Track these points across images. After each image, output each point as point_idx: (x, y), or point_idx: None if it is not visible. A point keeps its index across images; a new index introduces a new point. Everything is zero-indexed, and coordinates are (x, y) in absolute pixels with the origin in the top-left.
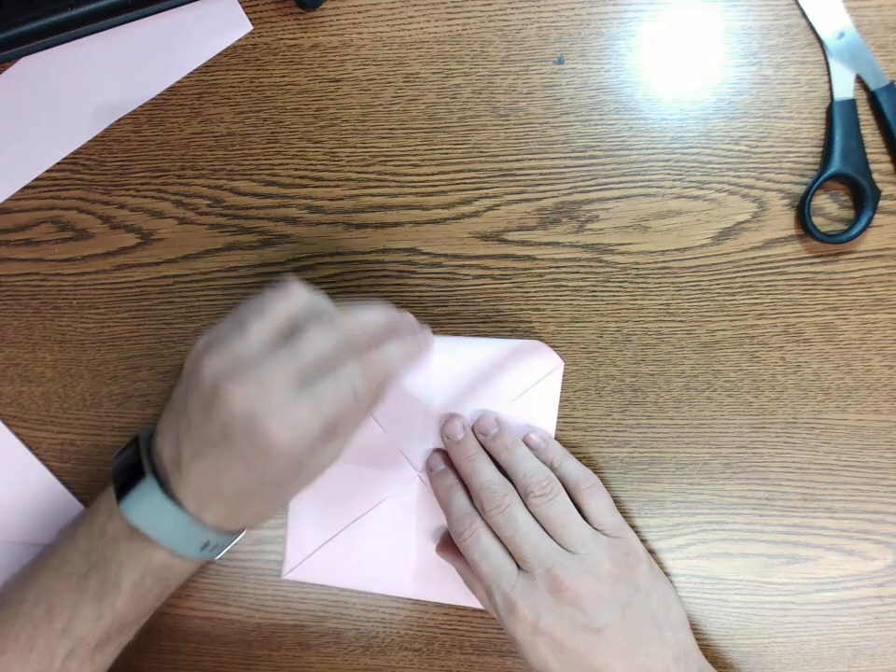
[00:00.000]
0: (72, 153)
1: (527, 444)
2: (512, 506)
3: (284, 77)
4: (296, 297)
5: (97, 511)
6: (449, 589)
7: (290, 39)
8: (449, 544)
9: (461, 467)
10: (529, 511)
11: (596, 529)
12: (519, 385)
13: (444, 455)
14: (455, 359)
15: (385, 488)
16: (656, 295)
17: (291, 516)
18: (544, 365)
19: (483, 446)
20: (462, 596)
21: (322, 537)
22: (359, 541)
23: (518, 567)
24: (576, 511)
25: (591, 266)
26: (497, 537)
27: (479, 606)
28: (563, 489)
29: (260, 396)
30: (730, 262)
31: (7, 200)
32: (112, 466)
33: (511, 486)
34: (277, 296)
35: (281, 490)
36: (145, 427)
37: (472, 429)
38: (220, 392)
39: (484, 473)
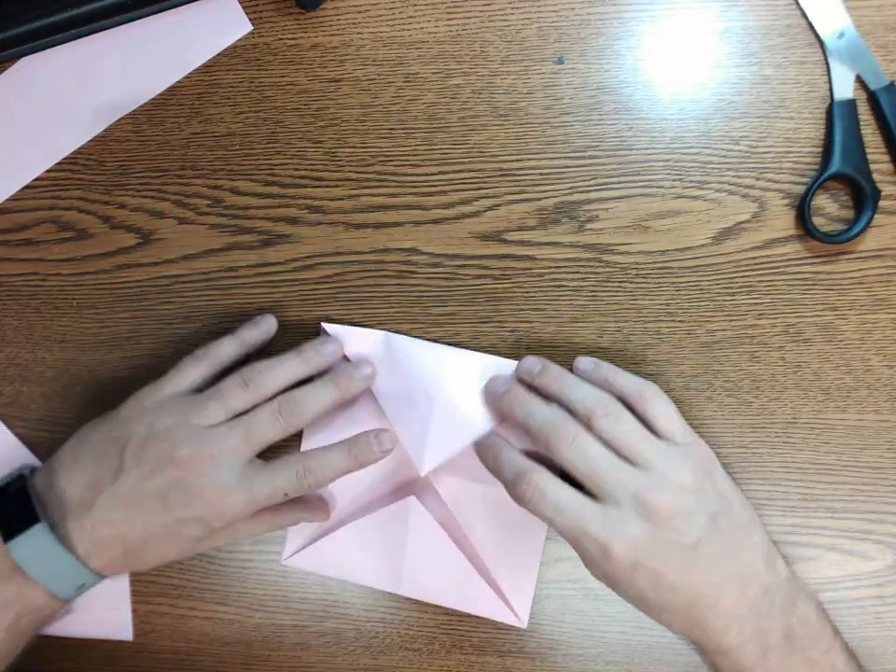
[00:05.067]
0: (72, 153)
1: (578, 369)
2: (579, 436)
3: (284, 76)
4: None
5: None
6: (444, 591)
7: (290, 39)
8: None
9: (515, 415)
10: (595, 436)
11: (667, 439)
12: None
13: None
14: (462, 368)
15: (389, 484)
16: (656, 295)
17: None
18: None
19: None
20: (454, 600)
21: (324, 526)
22: (360, 535)
23: (596, 501)
24: (642, 425)
25: (591, 266)
26: (563, 480)
27: (469, 612)
28: (623, 406)
29: (214, 468)
30: (730, 262)
31: (7, 200)
32: None
33: (572, 417)
34: (234, 383)
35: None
36: (26, 465)
37: (517, 379)
38: (175, 455)
39: (540, 411)
